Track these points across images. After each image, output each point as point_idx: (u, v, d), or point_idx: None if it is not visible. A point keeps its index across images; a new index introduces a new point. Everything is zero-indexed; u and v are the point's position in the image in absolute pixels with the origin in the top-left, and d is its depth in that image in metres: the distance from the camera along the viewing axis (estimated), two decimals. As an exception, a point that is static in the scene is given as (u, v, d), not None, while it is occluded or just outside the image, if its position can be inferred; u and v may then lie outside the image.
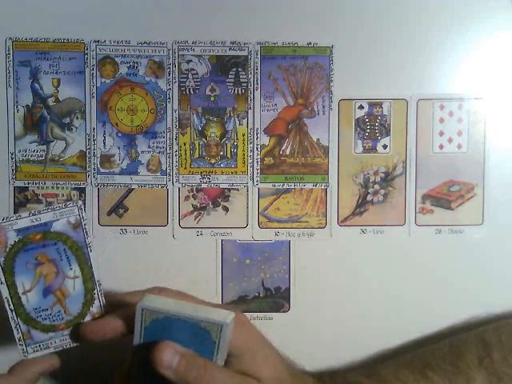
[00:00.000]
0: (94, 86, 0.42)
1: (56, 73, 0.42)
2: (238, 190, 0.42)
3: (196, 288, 0.42)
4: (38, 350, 0.36)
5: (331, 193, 0.42)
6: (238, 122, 0.42)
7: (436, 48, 0.42)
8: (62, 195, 0.42)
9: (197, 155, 0.42)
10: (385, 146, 0.42)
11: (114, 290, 0.39)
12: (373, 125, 0.42)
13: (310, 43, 0.42)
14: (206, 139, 0.42)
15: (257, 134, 0.42)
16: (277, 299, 0.43)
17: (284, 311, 0.43)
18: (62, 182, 0.42)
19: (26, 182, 0.42)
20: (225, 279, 0.43)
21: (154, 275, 0.42)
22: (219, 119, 0.42)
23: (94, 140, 0.42)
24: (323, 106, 0.42)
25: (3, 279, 0.34)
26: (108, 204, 0.42)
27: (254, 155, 0.42)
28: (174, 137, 0.42)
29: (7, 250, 0.34)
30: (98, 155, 0.42)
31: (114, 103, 0.42)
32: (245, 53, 0.40)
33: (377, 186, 0.42)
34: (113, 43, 0.42)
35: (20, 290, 0.35)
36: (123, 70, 0.42)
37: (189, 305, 0.32)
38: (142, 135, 0.42)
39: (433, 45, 0.42)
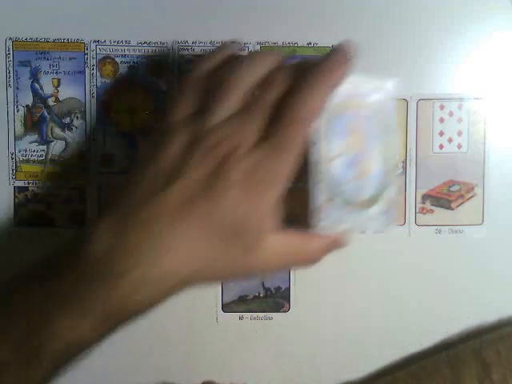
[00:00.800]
0: (94, 86, 0.42)
1: (56, 73, 0.42)
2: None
3: (196, 288, 0.42)
4: (331, 226, 0.35)
5: (331, 193, 0.42)
6: (238, 122, 0.42)
7: (436, 48, 0.42)
8: (63, 195, 0.42)
9: (197, 155, 0.42)
10: (385, 146, 0.42)
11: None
12: (373, 125, 0.42)
13: (310, 43, 0.42)
14: (206, 139, 0.42)
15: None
16: (277, 299, 0.43)
17: (284, 311, 0.43)
18: (62, 182, 0.42)
19: (25, 181, 0.42)
20: (225, 279, 0.43)
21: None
22: (219, 119, 0.42)
23: (94, 140, 0.42)
24: (323, 106, 0.42)
25: (318, 140, 0.34)
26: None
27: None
28: (174, 137, 0.42)
29: (327, 111, 0.34)
30: (98, 155, 0.42)
31: (114, 103, 0.42)
32: (245, 53, 0.40)
33: (377, 186, 0.42)
34: (113, 43, 0.42)
35: (330, 155, 0.34)
36: (123, 69, 0.42)
37: None
38: (142, 135, 0.42)
39: (433, 45, 0.42)
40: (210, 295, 0.43)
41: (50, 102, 0.42)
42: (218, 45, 0.41)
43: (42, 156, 0.42)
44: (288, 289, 0.43)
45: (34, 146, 0.42)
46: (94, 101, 0.42)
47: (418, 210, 0.43)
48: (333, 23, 0.41)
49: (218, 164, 0.33)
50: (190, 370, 0.42)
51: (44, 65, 0.42)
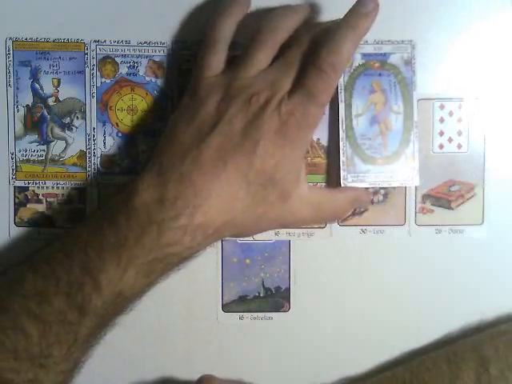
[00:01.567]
0: (94, 86, 0.42)
1: (56, 73, 0.42)
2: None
3: (196, 288, 0.43)
4: (355, 181, 0.39)
5: (331, 193, 0.42)
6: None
7: (436, 48, 0.42)
8: (62, 195, 0.42)
9: (197, 155, 0.42)
10: (385, 146, 0.43)
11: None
12: (373, 124, 0.42)
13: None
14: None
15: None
16: (277, 299, 0.43)
17: (284, 311, 0.43)
18: (62, 182, 0.42)
19: (26, 181, 0.42)
20: (225, 279, 0.43)
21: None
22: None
23: (94, 140, 0.42)
24: (323, 106, 0.42)
25: (343, 98, 0.38)
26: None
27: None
28: (174, 137, 0.42)
29: (351, 70, 0.38)
30: (98, 155, 0.42)
31: (114, 103, 0.42)
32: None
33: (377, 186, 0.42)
34: (113, 43, 0.42)
35: (354, 112, 0.38)
36: (123, 69, 0.42)
37: None
38: (142, 135, 0.42)
39: (433, 45, 0.42)
40: (210, 295, 0.43)
41: (50, 101, 0.42)
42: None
43: (41, 156, 0.42)
44: (288, 289, 0.43)
45: (34, 146, 0.42)
46: (94, 101, 0.42)
47: (417, 210, 0.43)
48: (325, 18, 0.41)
49: (254, 114, 0.36)
50: (190, 370, 0.42)
51: (44, 65, 0.42)
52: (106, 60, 0.42)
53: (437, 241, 0.43)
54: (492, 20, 0.42)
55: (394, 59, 0.40)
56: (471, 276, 0.43)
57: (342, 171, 0.39)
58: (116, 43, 0.42)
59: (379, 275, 0.43)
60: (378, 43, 0.41)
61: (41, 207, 0.42)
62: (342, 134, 0.38)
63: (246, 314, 0.43)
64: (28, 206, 0.42)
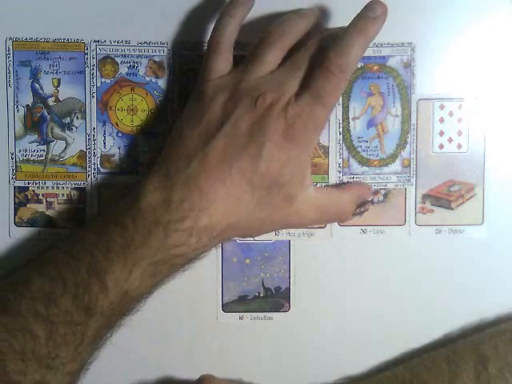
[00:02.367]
0: (94, 86, 0.42)
1: (56, 73, 0.42)
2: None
3: (196, 288, 0.43)
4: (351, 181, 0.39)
5: (331, 193, 0.42)
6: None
7: (436, 48, 0.42)
8: (62, 195, 0.42)
9: (197, 155, 0.42)
10: (385, 146, 0.43)
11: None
12: (373, 124, 0.42)
13: (310, 43, 0.42)
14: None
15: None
16: (277, 299, 0.43)
17: (284, 311, 0.43)
18: (62, 182, 0.42)
19: (26, 181, 0.42)
20: (225, 279, 0.43)
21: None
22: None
23: (94, 140, 0.42)
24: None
25: (341, 101, 0.38)
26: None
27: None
28: (174, 137, 0.42)
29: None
30: (98, 155, 0.42)
31: (114, 103, 0.42)
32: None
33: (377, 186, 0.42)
34: (113, 43, 0.42)
35: (351, 115, 0.38)
36: (123, 69, 0.42)
37: None
38: (142, 135, 0.42)
39: (433, 45, 0.42)
40: (210, 295, 0.43)
41: (50, 101, 0.42)
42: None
43: (41, 156, 0.42)
44: (288, 289, 0.43)
45: (34, 146, 0.42)
46: (94, 101, 0.42)
47: (417, 210, 0.43)
48: (333, 24, 0.41)
49: (260, 116, 0.35)
50: (191, 370, 0.42)
51: (44, 65, 0.42)
52: (105, 60, 0.42)
53: (437, 241, 0.43)
54: (492, 20, 0.42)
55: (393, 62, 0.40)
56: (471, 276, 0.43)
57: (337, 173, 0.39)
58: (116, 43, 0.42)
59: (379, 275, 0.43)
60: (377, 46, 0.41)
61: (41, 207, 0.42)
62: (338, 136, 0.38)
63: (245, 314, 0.43)
64: (28, 205, 0.42)
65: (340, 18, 0.39)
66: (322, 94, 0.35)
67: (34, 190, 0.42)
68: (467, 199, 0.42)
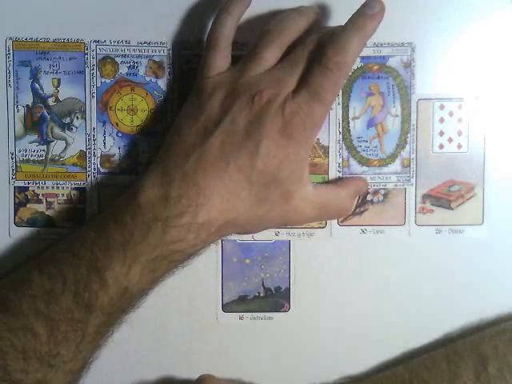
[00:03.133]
0: (94, 86, 0.42)
1: (56, 73, 0.42)
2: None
3: (196, 288, 0.43)
4: None
5: (331, 193, 0.42)
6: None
7: (436, 48, 0.42)
8: (62, 195, 0.42)
9: (197, 155, 0.42)
10: (385, 146, 0.43)
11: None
12: (373, 124, 0.43)
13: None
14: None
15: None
16: (277, 299, 0.43)
17: (284, 311, 0.43)
18: (62, 182, 0.42)
19: (26, 181, 0.42)
20: (225, 279, 0.43)
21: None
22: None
23: (94, 140, 0.42)
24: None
25: (341, 100, 0.38)
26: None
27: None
28: (174, 137, 0.42)
29: (349, 73, 0.38)
30: (98, 155, 0.42)
31: (114, 103, 0.42)
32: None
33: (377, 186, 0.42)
34: (113, 43, 0.42)
35: (351, 115, 0.38)
36: (123, 69, 0.42)
37: None
38: (142, 135, 0.42)
39: (433, 44, 0.42)
40: (210, 295, 0.43)
41: (50, 101, 0.42)
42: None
43: (41, 156, 0.42)
44: (288, 289, 0.43)
45: (34, 146, 0.42)
46: (94, 101, 0.42)
47: (417, 210, 0.43)
48: (333, 24, 0.41)
49: (257, 113, 0.35)
50: (190, 370, 0.42)
51: (44, 65, 0.42)
52: (105, 60, 0.42)
53: (437, 241, 0.43)
54: (492, 20, 0.42)
55: (393, 62, 0.40)
56: (471, 276, 0.43)
57: (337, 172, 0.39)
58: (116, 43, 0.42)
59: (379, 275, 0.43)
60: (377, 46, 0.41)
61: (41, 207, 0.42)
62: (338, 136, 0.38)
63: (245, 314, 0.43)
64: (28, 205, 0.42)
65: (339, 16, 0.39)
66: (320, 91, 0.35)
67: (34, 190, 0.42)
68: (467, 199, 0.42)
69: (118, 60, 0.42)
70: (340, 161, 0.40)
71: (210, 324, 0.43)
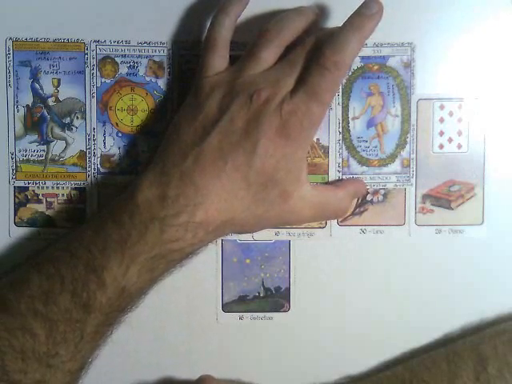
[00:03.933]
0: (94, 86, 0.42)
1: (56, 73, 0.42)
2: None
3: (196, 288, 0.43)
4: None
5: (331, 193, 0.42)
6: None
7: (436, 48, 0.42)
8: (62, 195, 0.42)
9: (197, 155, 0.42)
10: (385, 146, 0.43)
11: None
12: (373, 124, 0.43)
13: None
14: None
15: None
16: (277, 299, 0.43)
17: (284, 311, 0.43)
18: (62, 182, 0.42)
19: (26, 181, 0.42)
20: (225, 279, 0.43)
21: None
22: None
23: (94, 140, 0.42)
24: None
25: (341, 101, 0.38)
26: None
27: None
28: (174, 137, 0.42)
29: (349, 73, 0.38)
30: (98, 155, 0.42)
31: (114, 103, 0.42)
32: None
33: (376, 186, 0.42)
34: (113, 43, 0.42)
35: (350, 115, 0.38)
36: (123, 69, 0.42)
37: None
38: (142, 135, 0.42)
39: (433, 44, 0.42)
40: (210, 295, 0.43)
41: (50, 102, 0.42)
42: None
43: (41, 156, 0.42)
44: (288, 289, 0.43)
45: (34, 146, 0.42)
46: (94, 101, 0.42)
47: (417, 210, 0.43)
48: (333, 25, 0.41)
49: (255, 113, 0.36)
50: (190, 370, 0.42)
51: (44, 65, 0.42)
52: (105, 60, 0.42)
53: (437, 241, 0.43)
54: (492, 20, 0.42)
55: (393, 62, 0.40)
56: (471, 276, 0.43)
57: (337, 173, 0.39)
58: (116, 43, 0.42)
59: (379, 275, 0.43)
60: (377, 46, 0.41)
61: (41, 207, 0.42)
62: (338, 136, 0.39)
63: (245, 314, 0.43)
64: (28, 205, 0.42)
65: (338, 17, 0.39)
66: (318, 91, 0.35)
67: (34, 190, 0.42)
68: (467, 199, 0.42)
69: (118, 60, 0.42)
70: (340, 161, 0.40)
71: (209, 324, 0.43)
